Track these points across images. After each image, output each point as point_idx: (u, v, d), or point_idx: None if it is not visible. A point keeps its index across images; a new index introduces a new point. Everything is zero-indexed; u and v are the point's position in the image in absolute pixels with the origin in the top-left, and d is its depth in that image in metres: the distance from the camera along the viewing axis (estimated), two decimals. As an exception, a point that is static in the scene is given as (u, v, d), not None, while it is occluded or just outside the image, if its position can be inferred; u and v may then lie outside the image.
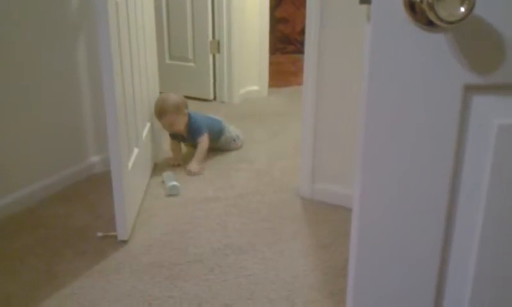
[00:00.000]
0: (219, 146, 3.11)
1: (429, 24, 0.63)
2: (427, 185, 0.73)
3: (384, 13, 0.65)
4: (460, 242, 0.77)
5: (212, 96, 4.20)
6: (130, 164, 2.23)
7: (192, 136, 2.98)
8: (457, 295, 0.80)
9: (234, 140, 3.19)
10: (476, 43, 0.66)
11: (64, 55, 2.58)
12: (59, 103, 2.58)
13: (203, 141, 2.97)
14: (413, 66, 0.67)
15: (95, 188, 2.65)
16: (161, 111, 2.87)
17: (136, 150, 2.38)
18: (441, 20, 0.59)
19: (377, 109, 0.69)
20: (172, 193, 2.59)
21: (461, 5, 0.59)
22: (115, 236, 2.15)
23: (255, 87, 4.36)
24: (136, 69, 2.40)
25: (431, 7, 0.58)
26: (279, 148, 3.25)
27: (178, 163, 2.98)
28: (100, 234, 2.19)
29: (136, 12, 2.41)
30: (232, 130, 3.21)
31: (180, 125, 2.92)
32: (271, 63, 4.52)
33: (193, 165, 2.88)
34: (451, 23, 0.59)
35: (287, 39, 6.08)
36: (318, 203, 2.52)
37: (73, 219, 2.36)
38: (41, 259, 2.05)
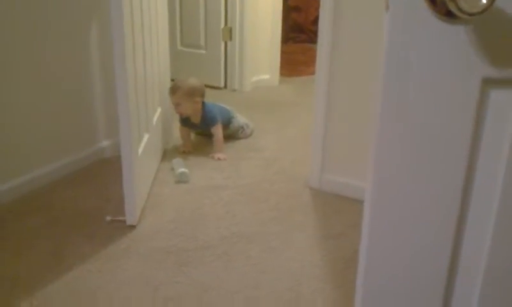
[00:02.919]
0: (227, 134, 3.10)
1: (448, 15, 0.62)
2: (441, 178, 0.72)
3: (403, 3, 0.64)
4: (472, 237, 0.76)
5: (222, 84, 4.19)
6: (140, 150, 2.23)
7: (205, 125, 2.98)
8: (467, 290, 0.79)
9: (243, 128, 3.18)
10: (496, 35, 0.65)
11: (77, 39, 2.58)
12: (71, 87, 2.58)
13: (218, 131, 2.98)
14: (431, 57, 0.66)
15: (105, 172, 2.65)
16: (174, 88, 2.89)
17: (146, 136, 2.38)
18: (461, 11, 0.58)
19: (393, 99, 0.68)
20: (181, 180, 2.59)
21: (483, -3, 0.57)
22: (124, 221, 2.16)
23: (266, 76, 4.34)
24: (147, 54, 2.39)
25: (452, -2, 0.57)
26: (289, 137, 3.24)
27: (188, 150, 2.98)
28: (108, 218, 2.19)
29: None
30: (241, 118, 3.21)
31: (186, 109, 2.91)
32: (282, 52, 4.50)
33: (219, 155, 2.91)
34: (472, 14, 0.58)
35: (299, 28, 6.04)
36: (327, 193, 2.51)
37: (83, 202, 2.37)
38: (49, 241, 2.06)
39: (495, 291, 0.78)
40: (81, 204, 2.35)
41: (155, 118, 2.64)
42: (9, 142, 2.32)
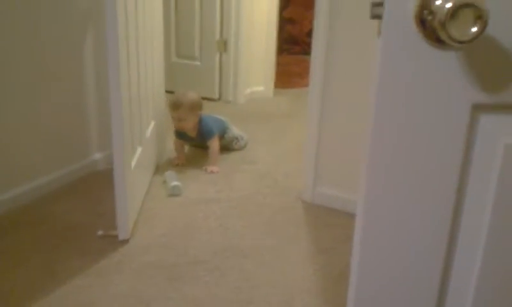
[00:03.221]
0: (222, 144, 3.09)
1: (439, 42, 0.62)
2: (431, 200, 0.72)
3: (394, 29, 0.64)
4: (463, 253, 0.76)
5: (217, 96, 4.19)
6: (133, 163, 2.22)
7: (202, 137, 2.98)
8: (459, 303, 0.79)
9: (237, 139, 3.18)
10: (486, 62, 0.65)
11: (71, 51, 2.57)
12: (64, 99, 2.58)
13: (214, 143, 2.97)
14: (421, 83, 0.66)
15: (98, 185, 2.64)
16: (177, 103, 2.88)
17: (139, 149, 2.38)
18: (452, 39, 0.58)
19: (384, 124, 0.68)
20: (174, 193, 2.58)
21: (473, 25, 0.57)
22: (116, 236, 2.14)
23: (261, 88, 4.35)
24: (142, 66, 2.39)
25: (443, 26, 0.57)
26: (283, 150, 3.24)
27: (182, 163, 2.98)
28: (100, 232, 2.18)
29: (144, 10, 2.40)
30: (236, 130, 3.21)
31: (189, 124, 2.91)
32: (277, 64, 4.51)
33: (212, 167, 2.90)
34: (462, 42, 0.58)
35: (294, 40, 6.07)
36: (319, 207, 2.51)
37: (75, 216, 2.35)
38: (40, 256, 2.04)
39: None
40: (73, 218, 2.33)
41: (148, 131, 2.63)
42: (4, 156, 2.30)
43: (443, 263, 0.76)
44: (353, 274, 0.83)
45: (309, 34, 2.77)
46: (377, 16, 0.64)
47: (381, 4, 0.63)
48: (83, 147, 2.75)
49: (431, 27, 0.60)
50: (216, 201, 2.56)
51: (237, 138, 3.18)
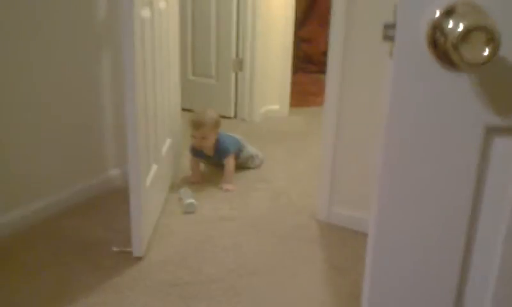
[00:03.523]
0: (237, 163, 3.09)
1: (452, 64, 0.62)
2: (444, 224, 0.72)
3: (406, 50, 0.64)
4: (476, 284, 0.76)
5: (232, 114, 4.20)
6: (148, 180, 2.24)
7: (219, 155, 2.99)
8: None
9: (253, 157, 3.18)
10: (499, 83, 0.65)
11: (88, 67, 2.60)
12: (81, 115, 2.61)
13: (230, 162, 2.99)
14: (433, 104, 0.66)
15: (114, 201, 2.65)
16: (199, 122, 2.90)
17: (154, 166, 2.39)
18: (465, 62, 0.58)
19: (396, 147, 0.68)
20: (189, 210, 2.59)
21: (486, 47, 0.57)
22: (130, 252, 2.15)
23: (276, 106, 4.35)
24: (158, 84, 2.41)
25: (455, 48, 0.57)
26: (298, 168, 3.23)
27: (197, 180, 2.98)
28: (115, 249, 2.19)
29: (161, 28, 2.43)
30: (251, 149, 3.21)
31: (210, 142, 2.93)
32: (293, 83, 4.51)
33: (227, 185, 2.91)
34: (475, 65, 0.58)
35: (309, 59, 6.07)
36: (334, 226, 2.49)
37: (90, 232, 2.37)
38: (55, 272, 2.06)
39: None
40: (88, 234, 2.35)
41: (164, 149, 2.65)
42: (18, 171, 2.33)
43: (456, 288, 0.76)
44: (365, 292, 0.82)
45: (325, 53, 2.78)
46: (389, 38, 0.65)
47: (393, 26, 0.63)
48: (100, 163, 2.77)
49: (443, 49, 0.61)
50: (230, 219, 2.56)
51: (252, 156, 3.19)
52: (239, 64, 4.10)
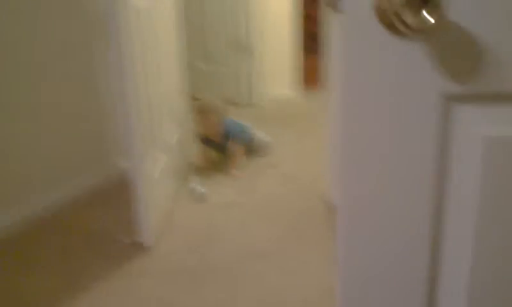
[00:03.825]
0: (246, 150, 3.09)
1: (401, 32, 0.61)
2: (410, 198, 0.70)
3: (356, 22, 0.63)
4: (449, 263, 0.74)
5: (242, 99, 4.20)
6: (156, 171, 2.25)
7: (225, 142, 3.00)
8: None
9: (262, 145, 3.18)
10: (455, 49, 0.63)
11: (93, 61, 2.62)
12: (89, 107, 2.63)
13: (237, 147, 3.00)
14: (389, 75, 0.64)
15: (123, 193, 2.67)
16: (206, 108, 2.94)
17: (163, 157, 2.40)
18: (410, 29, 0.56)
19: (353, 120, 0.67)
20: (199, 199, 2.60)
21: (431, 12, 0.56)
22: (140, 242, 2.17)
23: (288, 90, 4.34)
24: (162, 74, 2.41)
25: (398, 15, 0.56)
26: (307, 152, 3.21)
27: (208, 168, 2.99)
28: (126, 239, 2.21)
29: (162, 18, 2.43)
30: (260, 135, 3.21)
31: (217, 128, 2.96)
32: (306, 66, 4.47)
33: (236, 172, 2.93)
34: (420, 32, 0.57)
35: (311, 37, 6.01)
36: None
37: (101, 223, 2.39)
38: (65, 262, 2.09)
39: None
40: (100, 226, 2.37)
41: (174, 138, 2.66)
42: (29, 164, 2.37)
43: (429, 264, 0.74)
44: (339, 274, 0.82)
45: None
46: (338, 10, 0.63)
47: (339, -3, 0.62)
48: (111, 156, 2.80)
49: (390, 18, 0.59)
50: (239, 205, 2.56)
51: (261, 144, 3.18)
52: (248, 50, 4.08)
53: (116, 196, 2.66)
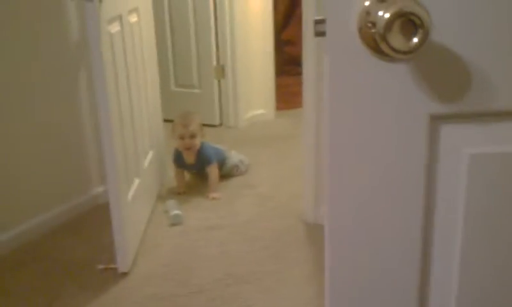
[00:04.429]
0: (222, 173, 3.07)
1: (386, 54, 0.60)
2: (399, 219, 0.70)
3: (339, 45, 0.62)
4: (437, 283, 0.74)
5: (218, 122, 4.19)
6: (130, 195, 2.22)
7: (201, 164, 2.97)
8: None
9: (238, 166, 3.16)
10: (440, 70, 0.63)
11: (66, 86, 2.59)
12: (63, 134, 2.59)
13: (214, 170, 2.98)
14: (374, 98, 0.64)
15: (99, 219, 2.63)
16: (187, 120, 2.92)
17: (136, 180, 2.37)
18: (395, 51, 0.56)
19: (340, 144, 0.67)
20: (175, 222, 2.56)
21: (415, 34, 0.56)
22: (116, 269, 2.13)
23: (261, 111, 4.34)
24: (135, 98, 2.39)
25: (383, 37, 0.56)
26: (285, 171, 3.21)
27: (183, 191, 2.96)
28: (101, 266, 2.17)
29: (133, 42, 2.42)
30: (235, 156, 3.19)
31: (198, 142, 2.92)
32: (278, 86, 4.50)
33: (214, 194, 2.89)
34: (405, 53, 0.57)
35: (294, 61, 6.07)
36: (322, 227, 2.46)
37: (76, 251, 2.34)
38: (41, 293, 2.03)
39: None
40: (75, 254, 2.32)
41: (146, 161, 2.63)
42: (2, 193, 2.31)
43: (418, 284, 0.74)
44: (326, 288, 0.81)
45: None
46: (320, 34, 0.63)
47: (323, 21, 0.62)
48: (84, 181, 2.75)
49: (374, 40, 0.59)
50: (218, 227, 2.54)
51: (237, 165, 3.16)
52: (221, 72, 4.09)
53: (92, 222, 2.61)
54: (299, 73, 5.91)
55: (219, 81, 4.12)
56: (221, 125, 4.19)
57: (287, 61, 6.00)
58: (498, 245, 0.70)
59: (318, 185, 2.47)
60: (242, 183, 3.07)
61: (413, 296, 0.74)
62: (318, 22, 0.63)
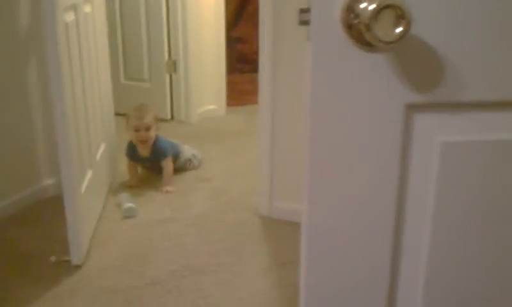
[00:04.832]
0: (175, 167, 3.06)
1: (368, 44, 0.64)
2: (372, 204, 0.73)
3: (323, 35, 0.65)
4: (408, 261, 0.78)
5: (169, 116, 4.17)
6: (83, 187, 2.19)
7: (156, 157, 2.95)
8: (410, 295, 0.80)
9: (191, 160, 3.16)
10: (416, 62, 0.67)
11: (15, 75, 2.52)
12: (11, 125, 2.52)
13: (169, 163, 2.97)
14: (353, 86, 0.67)
15: (49, 211, 2.58)
16: (142, 113, 2.89)
17: (89, 172, 2.34)
18: (378, 40, 0.60)
19: (320, 128, 0.70)
20: (128, 215, 2.54)
21: (398, 25, 0.60)
22: (69, 261, 2.10)
23: (213, 106, 4.35)
24: (88, 89, 2.36)
25: (368, 28, 0.59)
26: (237, 166, 3.24)
27: (136, 184, 2.94)
28: (53, 259, 2.13)
29: (87, 32, 2.38)
30: (188, 150, 3.19)
31: (153, 134, 2.90)
32: (229, 83, 4.52)
33: (167, 187, 2.88)
34: (388, 43, 0.60)
35: (244, 59, 6.10)
36: (276, 221, 2.52)
37: (26, 243, 2.29)
38: (-10, 287, 1.98)
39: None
40: (25, 246, 2.27)
41: (99, 154, 2.59)
42: None
43: (389, 268, 0.77)
44: (302, 285, 0.83)
45: (258, 52, 2.82)
46: (305, 23, 0.66)
47: (308, 10, 0.64)
48: (34, 173, 2.68)
49: (357, 30, 0.62)
50: (172, 220, 2.53)
51: (190, 159, 3.16)
52: (173, 66, 4.07)
53: (42, 215, 2.55)
54: (249, 71, 5.98)
55: (170, 75, 4.10)
56: (172, 119, 4.17)
57: (238, 58, 6.03)
58: (467, 232, 0.75)
59: (273, 179, 2.51)
60: (196, 177, 3.08)
61: (384, 285, 0.78)
62: (303, 11, 0.65)
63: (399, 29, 0.60)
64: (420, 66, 0.68)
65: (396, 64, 0.67)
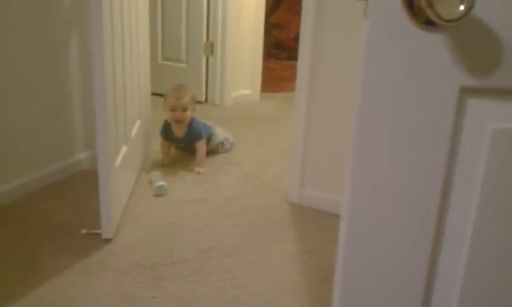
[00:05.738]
0: (208, 149, 3.07)
1: (427, 24, 0.62)
2: (418, 190, 0.72)
3: (381, 11, 0.64)
4: (449, 249, 0.76)
5: (203, 98, 4.18)
6: (118, 162, 2.20)
7: (191, 138, 2.96)
8: (446, 298, 0.78)
9: (223, 143, 3.17)
10: (474, 44, 0.65)
11: (55, 51, 2.55)
12: (49, 98, 2.55)
13: (203, 145, 2.97)
14: (409, 66, 0.66)
15: (82, 185, 2.61)
16: (181, 92, 2.89)
17: (124, 148, 2.36)
18: (440, 18, 0.58)
19: (370, 108, 0.68)
20: (159, 193, 2.56)
21: (461, 3, 0.57)
22: (99, 234, 2.12)
23: (247, 91, 4.35)
24: (127, 67, 2.37)
25: (430, 5, 0.57)
26: (269, 152, 3.23)
27: (168, 163, 2.96)
28: (84, 231, 2.15)
29: (130, 11, 2.39)
30: (221, 133, 3.19)
31: (189, 115, 2.91)
32: (264, 68, 4.51)
33: (199, 168, 2.89)
34: (450, 21, 0.58)
35: (281, 46, 6.08)
36: (306, 208, 2.50)
37: (58, 215, 2.32)
38: (23, 254, 2.01)
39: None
40: (57, 217, 2.30)
41: (134, 130, 2.61)
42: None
43: (430, 258, 0.76)
44: (338, 274, 0.82)
45: (296, 39, 2.78)
46: (363, -3, 0.64)
47: (368, -15, 0.63)
48: (68, 146, 2.72)
49: (418, 8, 0.60)
50: (202, 201, 2.54)
51: (222, 143, 3.17)
52: (210, 48, 4.07)
53: (74, 187, 2.59)
54: (285, 58, 5.96)
55: (207, 57, 4.11)
56: (206, 101, 4.18)
57: (274, 44, 6.01)
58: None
59: (304, 166, 2.49)
60: (227, 160, 3.08)
61: (422, 275, 0.76)
62: (363, -14, 0.63)
63: (462, 8, 0.58)
64: (478, 49, 0.65)
65: (454, 45, 0.65)
